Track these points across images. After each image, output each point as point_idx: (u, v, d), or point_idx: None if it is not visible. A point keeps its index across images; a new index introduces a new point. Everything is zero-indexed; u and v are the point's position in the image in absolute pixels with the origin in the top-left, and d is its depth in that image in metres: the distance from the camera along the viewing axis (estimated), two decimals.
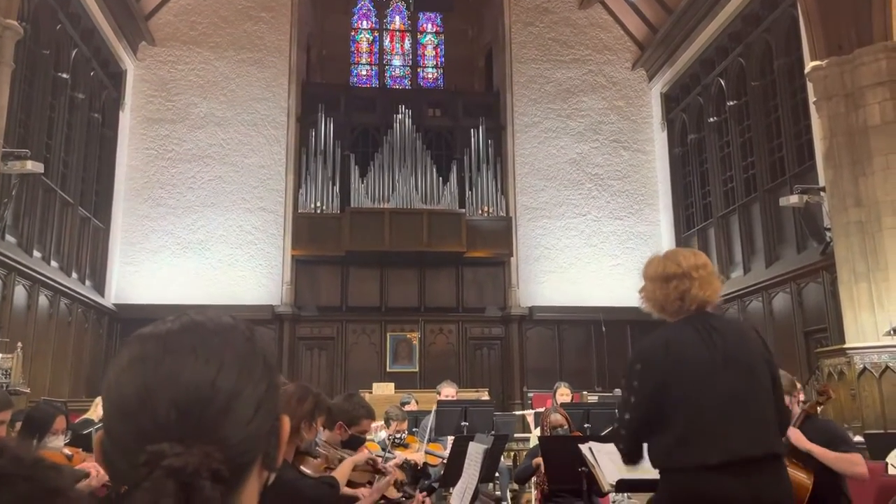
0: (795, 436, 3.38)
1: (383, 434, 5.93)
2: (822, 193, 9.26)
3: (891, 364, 7.75)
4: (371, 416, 3.72)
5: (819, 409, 3.55)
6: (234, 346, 0.73)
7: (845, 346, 8.20)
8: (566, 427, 5.30)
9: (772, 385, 2.34)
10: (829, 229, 9.13)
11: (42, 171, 9.37)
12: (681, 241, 13.77)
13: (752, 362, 2.32)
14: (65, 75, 11.03)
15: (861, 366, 7.90)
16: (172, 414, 0.67)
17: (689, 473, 2.23)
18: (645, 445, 2.42)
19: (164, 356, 0.71)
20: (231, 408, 0.69)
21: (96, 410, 7.14)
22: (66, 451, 3.35)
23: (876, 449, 6.19)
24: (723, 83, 12.65)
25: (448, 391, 7.78)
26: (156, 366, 0.70)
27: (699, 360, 2.29)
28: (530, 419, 9.29)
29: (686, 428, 2.25)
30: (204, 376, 0.69)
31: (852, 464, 3.33)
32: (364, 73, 16.91)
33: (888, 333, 7.74)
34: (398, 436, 5.66)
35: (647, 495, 4.97)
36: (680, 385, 2.27)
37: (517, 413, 10.43)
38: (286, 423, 0.77)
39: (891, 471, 4.93)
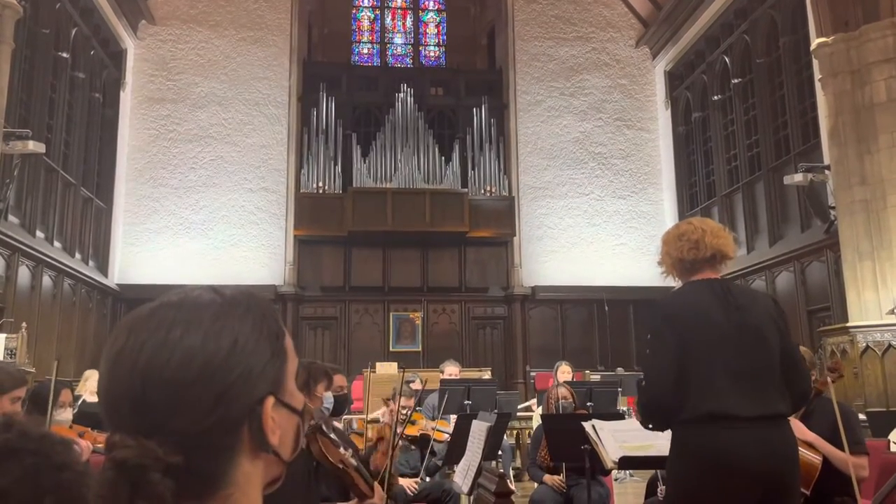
0: (796, 426, 3.30)
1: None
2: (826, 172, 9.21)
3: (894, 342, 7.76)
4: (339, 373, 3.77)
5: (830, 385, 3.44)
6: (198, 329, 0.71)
7: (848, 324, 8.20)
8: (570, 401, 5.32)
9: (782, 351, 2.42)
10: (833, 208, 9.09)
11: (44, 152, 9.35)
12: (684, 220, 13.71)
13: (763, 329, 2.41)
14: (65, 55, 10.96)
15: (864, 344, 7.91)
16: (125, 406, 0.67)
17: (699, 427, 2.32)
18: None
19: (123, 347, 0.70)
20: (186, 399, 0.67)
21: (85, 385, 7.20)
22: (78, 429, 3.39)
23: (878, 426, 6.23)
24: (727, 60, 12.54)
25: (451, 370, 7.81)
26: (117, 357, 0.70)
27: (714, 322, 2.38)
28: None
29: (696, 388, 2.33)
30: (157, 369, 0.68)
31: (856, 467, 3.13)
32: (365, 51, 16.79)
33: (891, 312, 7.74)
34: (404, 411, 5.62)
35: (649, 472, 5.01)
36: (693, 346, 2.36)
37: (525, 404, 10.40)
38: (269, 403, 0.73)
39: (892, 448, 4.95)
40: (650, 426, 2.55)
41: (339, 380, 3.67)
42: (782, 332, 2.46)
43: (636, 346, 13.68)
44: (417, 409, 6.18)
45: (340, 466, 3.16)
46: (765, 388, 2.34)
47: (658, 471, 4.81)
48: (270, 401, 0.73)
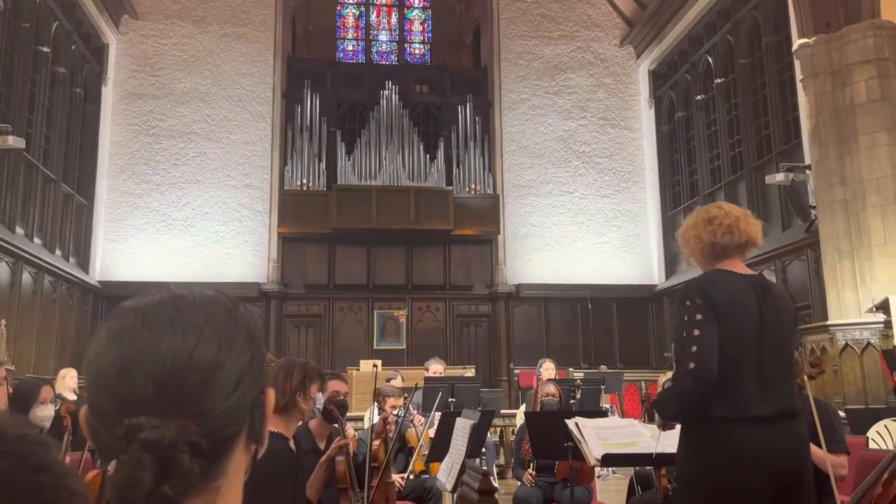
0: None
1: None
2: (807, 171, 9.30)
3: (872, 341, 7.86)
4: (338, 378, 3.75)
5: (810, 381, 3.44)
6: (214, 318, 0.73)
7: (828, 322, 8.29)
8: (557, 397, 5.35)
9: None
10: (814, 207, 9.19)
11: (24, 147, 9.25)
12: (667, 218, 13.82)
13: (789, 329, 2.44)
14: (46, 49, 10.83)
15: (843, 342, 8.00)
16: (150, 387, 0.67)
17: (725, 424, 2.28)
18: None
19: (141, 329, 0.70)
20: (210, 380, 0.69)
21: (63, 382, 7.16)
22: None
23: (857, 423, 6.30)
24: (710, 60, 12.63)
25: (436, 368, 7.81)
26: (133, 339, 0.70)
27: (755, 321, 2.33)
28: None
29: (730, 382, 2.28)
30: (181, 348, 0.69)
31: (836, 466, 3.20)
32: (350, 48, 16.73)
33: (870, 311, 7.83)
34: (395, 412, 5.41)
35: (631, 469, 5.04)
36: (731, 341, 2.29)
37: (514, 411, 10.33)
38: (271, 395, 0.77)
39: (871, 445, 5.02)
40: (681, 416, 2.40)
41: (336, 385, 3.65)
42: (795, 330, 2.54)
43: (619, 343, 13.77)
44: (411, 425, 5.89)
45: (344, 486, 3.28)
46: (785, 387, 2.37)
47: (637, 468, 4.85)
48: (272, 392, 0.77)
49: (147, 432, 0.63)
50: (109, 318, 0.74)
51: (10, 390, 3.44)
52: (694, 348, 2.26)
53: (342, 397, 3.66)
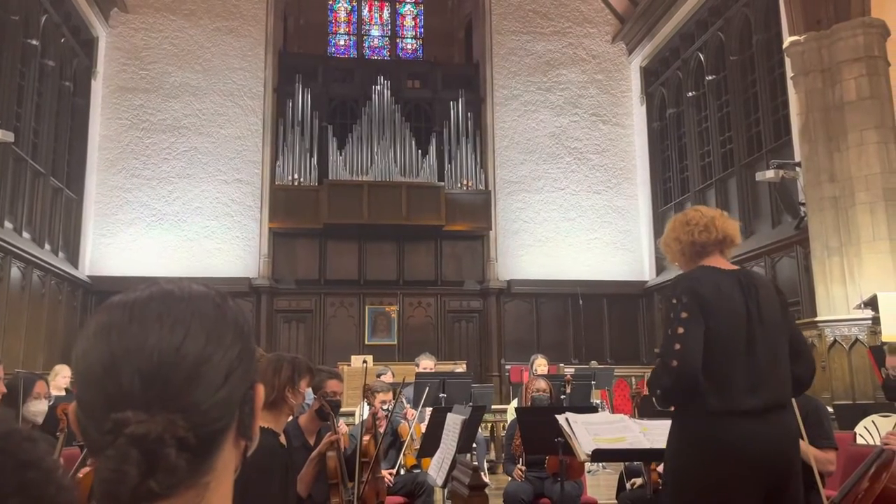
0: None
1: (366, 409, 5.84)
2: (797, 168, 9.34)
3: (860, 337, 7.91)
4: (335, 378, 3.74)
5: None
6: (202, 312, 0.73)
7: (817, 319, 8.34)
8: (547, 393, 5.36)
9: (792, 339, 2.50)
10: (803, 204, 9.24)
11: (12, 141, 9.18)
12: (658, 215, 13.86)
13: (777, 321, 2.46)
14: (34, 42, 10.74)
15: (832, 338, 8.06)
16: (136, 381, 0.67)
17: (715, 418, 2.32)
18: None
19: (129, 324, 0.70)
20: (198, 374, 0.69)
21: (55, 380, 7.11)
22: None
23: (845, 419, 6.35)
24: (702, 57, 12.66)
25: (426, 363, 7.81)
26: (121, 334, 0.70)
27: (741, 316, 2.38)
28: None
29: (720, 376, 2.33)
30: (169, 343, 0.69)
31: (824, 462, 3.28)
32: (342, 42, 16.68)
33: (858, 307, 7.88)
34: (385, 406, 5.44)
35: (621, 464, 5.06)
36: (718, 336, 2.35)
37: (505, 406, 10.39)
38: (261, 391, 0.77)
39: (859, 440, 5.06)
40: (660, 407, 2.47)
41: (334, 385, 3.64)
42: (790, 322, 2.54)
43: (609, 339, 13.82)
44: (403, 419, 5.92)
45: (335, 482, 3.29)
46: (776, 381, 2.40)
47: (626, 464, 4.87)
48: (261, 387, 0.77)
49: (133, 427, 0.64)
50: (97, 312, 0.74)
51: (4, 390, 3.42)
52: (677, 346, 2.32)
53: (336, 397, 3.66)
